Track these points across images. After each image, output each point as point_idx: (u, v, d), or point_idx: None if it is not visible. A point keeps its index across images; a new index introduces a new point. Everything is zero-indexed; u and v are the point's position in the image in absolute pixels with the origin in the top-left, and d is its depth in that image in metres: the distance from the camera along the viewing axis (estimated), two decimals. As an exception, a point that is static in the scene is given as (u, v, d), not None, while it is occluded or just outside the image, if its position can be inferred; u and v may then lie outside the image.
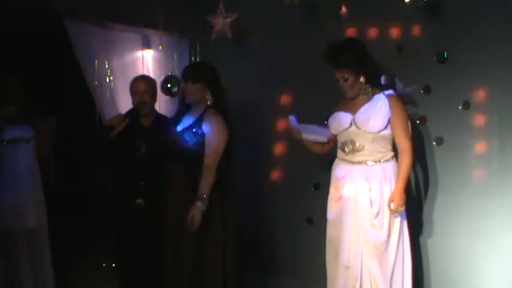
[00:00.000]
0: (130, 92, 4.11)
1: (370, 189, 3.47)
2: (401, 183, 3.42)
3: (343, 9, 3.89)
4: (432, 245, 3.93)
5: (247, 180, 4.53)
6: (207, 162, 3.69)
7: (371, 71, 3.52)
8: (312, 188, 4.44)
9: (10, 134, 4.09)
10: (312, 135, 3.71)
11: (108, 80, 4.53)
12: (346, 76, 3.48)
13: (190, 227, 3.63)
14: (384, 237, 3.44)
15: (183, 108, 3.95)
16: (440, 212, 3.89)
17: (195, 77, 3.78)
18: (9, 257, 4.09)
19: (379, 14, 4.00)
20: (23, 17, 4.43)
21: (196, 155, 3.72)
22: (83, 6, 4.21)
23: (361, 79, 3.49)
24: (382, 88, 3.57)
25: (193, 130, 3.75)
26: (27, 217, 4.14)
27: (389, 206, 3.41)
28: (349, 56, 3.46)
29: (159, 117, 4.19)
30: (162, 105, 4.48)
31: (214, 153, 3.71)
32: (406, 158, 3.45)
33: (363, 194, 3.47)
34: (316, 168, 4.30)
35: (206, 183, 3.66)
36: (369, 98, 3.52)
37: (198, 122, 3.76)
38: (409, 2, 3.62)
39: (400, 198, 3.40)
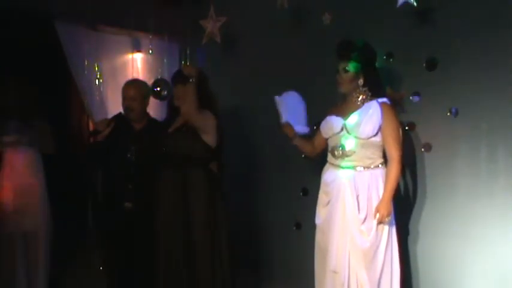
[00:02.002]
0: (121, 95, 4.10)
1: (358, 195, 3.46)
2: (388, 195, 3.41)
3: (327, 16, 3.95)
4: (420, 251, 3.92)
5: (236, 184, 4.52)
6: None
7: (372, 78, 3.52)
8: (301, 193, 4.44)
9: (10, 137, 4.09)
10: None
11: (97, 83, 4.52)
12: (348, 68, 3.49)
13: None
14: (371, 243, 3.42)
15: (173, 111, 3.94)
16: (429, 219, 3.88)
17: (184, 79, 3.76)
18: (10, 259, 4.12)
19: (369, 20, 4.01)
20: (13, 18, 4.41)
21: (188, 157, 3.72)
22: (73, 8, 4.20)
23: (360, 81, 3.50)
24: (377, 96, 3.56)
25: (184, 132, 3.75)
26: (28, 220, 4.15)
27: (374, 216, 3.41)
28: (360, 53, 3.49)
29: (152, 121, 4.18)
30: (152, 108, 4.47)
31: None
32: (394, 168, 3.44)
33: (350, 200, 3.46)
34: (306, 173, 4.31)
35: None
36: (363, 103, 3.52)
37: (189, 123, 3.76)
38: (399, 6, 3.63)
39: (385, 209, 3.39)
